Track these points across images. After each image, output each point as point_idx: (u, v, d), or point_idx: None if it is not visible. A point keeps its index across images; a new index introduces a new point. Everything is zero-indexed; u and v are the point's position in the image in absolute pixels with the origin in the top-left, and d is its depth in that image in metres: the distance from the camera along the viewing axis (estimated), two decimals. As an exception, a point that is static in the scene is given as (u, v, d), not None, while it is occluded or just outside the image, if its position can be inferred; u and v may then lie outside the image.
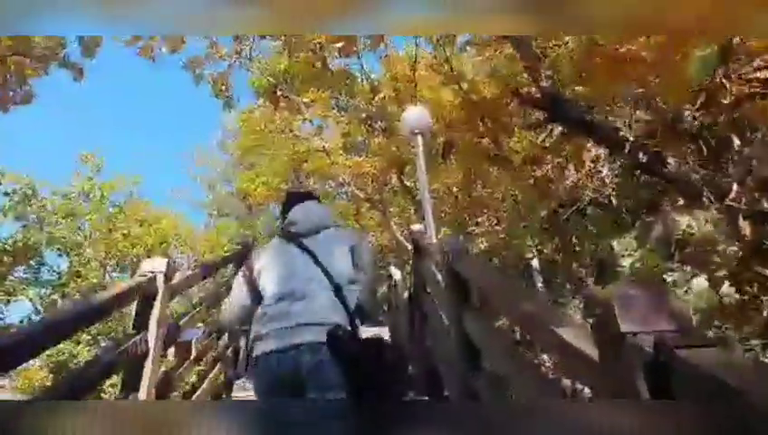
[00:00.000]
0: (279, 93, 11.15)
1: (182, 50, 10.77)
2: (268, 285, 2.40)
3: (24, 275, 14.17)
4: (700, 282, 5.51)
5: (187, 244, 18.99)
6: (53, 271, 15.06)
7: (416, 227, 5.69)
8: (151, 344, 2.82)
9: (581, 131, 4.58)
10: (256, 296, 2.41)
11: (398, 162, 12.39)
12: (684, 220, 6.03)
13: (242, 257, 5.62)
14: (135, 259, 16.25)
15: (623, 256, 5.85)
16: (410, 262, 6.70)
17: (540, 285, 7.99)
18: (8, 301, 13.59)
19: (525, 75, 4.61)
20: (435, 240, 6.70)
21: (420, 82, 11.84)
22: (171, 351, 3.83)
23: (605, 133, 4.37)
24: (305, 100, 12.27)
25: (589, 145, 5.60)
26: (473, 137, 7.68)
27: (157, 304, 2.95)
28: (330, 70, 12.85)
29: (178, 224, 19.13)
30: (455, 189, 10.88)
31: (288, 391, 2.15)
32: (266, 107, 14.41)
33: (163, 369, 3.39)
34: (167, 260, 3.13)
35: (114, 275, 16.36)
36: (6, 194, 13.67)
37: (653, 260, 5.58)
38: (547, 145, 4.95)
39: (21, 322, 13.05)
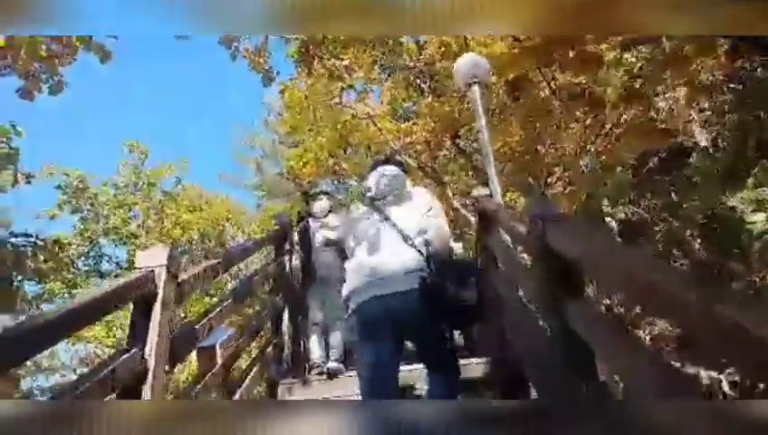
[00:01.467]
0: (313, 54, 10.30)
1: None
2: (355, 247, 2.88)
3: (85, 268, 14.34)
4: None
5: (239, 227, 18.82)
6: (113, 261, 15.21)
7: (480, 190, 4.81)
8: (150, 363, 2.14)
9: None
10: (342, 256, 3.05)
11: (452, 124, 11.36)
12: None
13: (280, 238, 4.97)
14: (189, 245, 16.20)
15: (743, 212, 4.70)
16: (474, 234, 5.84)
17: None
18: (71, 293, 13.79)
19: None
20: (499, 200, 5.81)
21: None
22: (194, 357, 3.21)
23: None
24: (344, 62, 11.37)
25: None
26: (535, 84, 6.64)
27: (156, 307, 2.27)
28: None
29: (230, 207, 18.96)
30: (517, 149, 9.77)
31: (385, 332, 2.60)
32: (306, 77, 13.66)
33: (175, 384, 2.74)
34: (168, 250, 2.43)
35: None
36: (59, 187, 13.71)
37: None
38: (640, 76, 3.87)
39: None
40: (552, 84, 6.10)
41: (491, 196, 5.14)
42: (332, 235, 4.61)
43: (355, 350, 4.08)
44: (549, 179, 8.36)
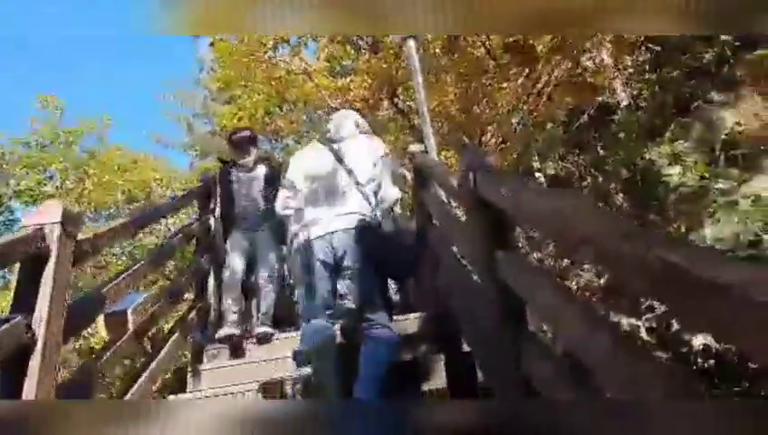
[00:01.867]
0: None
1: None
2: (307, 182, 2.98)
3: (-5, 232, 13.24)
4: (756, 186, 4.56)
5: (170, 187, 17.92)
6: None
7: (414, 147, 4.69)
8: (39, 332, 1.89)
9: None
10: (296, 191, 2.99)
11: (390, 82, 11.12)
12: (728, 117, 5.02)
13: (203, 194, 4.68)
14: (115, 208, 15.28)
15: (661, 166, 4.86)
16: (410, 191, 5.76)
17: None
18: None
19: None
20: (434, 156, 5.78)
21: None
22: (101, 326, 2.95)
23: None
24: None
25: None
26: (470, 43, 6.53)
27: (48, 269, 2.00)
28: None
29: (159, 167, 17.98)
30: (453, 107, 9.70)
31: (328, 269, 2.79)
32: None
33: (89, 349, 2.49)
34: (62, 207, 2.14)
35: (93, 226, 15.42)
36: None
37: (701, 168, 4.60)
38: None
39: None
40: (486, 44, 6.00)
41: (426, 152, 5.04)
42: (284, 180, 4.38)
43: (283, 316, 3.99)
44: (483, 138, 8.37)
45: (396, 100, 12.00)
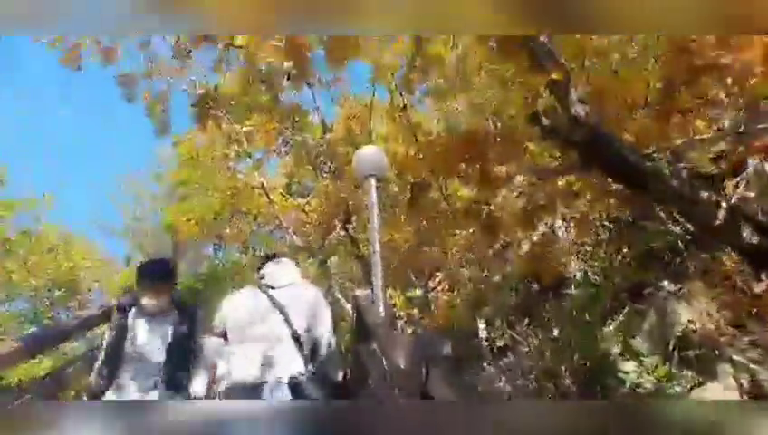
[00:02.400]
0: (211, 112, 9.55)
1: (116, 62, 8.94)
2: (237, 327, 2.90)
3: None
4: (708, 395, 4.26)
5: (99, 278, 16.65)
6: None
7: (360, 292, 4.57)
8: None
9: (626, 181, 3.27)
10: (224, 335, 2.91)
11: (346, 210, 11.00)
12: (683, 311, 4.86)
13: (106, 317, 3.99)
14: (37, 292, 13.91)
15: (616, 357, 4.54)
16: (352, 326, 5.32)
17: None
18: None
19: (545, 94, 3.35)
20: (381, 308, 5.46)
21: (375, 129, 10.78)
22: None
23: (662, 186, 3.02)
24: (246, 128, 10.77)
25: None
26: (431, 185, 6.48)
27: None
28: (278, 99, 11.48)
29: (93, 254, 16.83)
30: (404, 245, 9.52)
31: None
32: (204, 133, 12.80)
33: None
34: None
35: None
36: None
37: (661, 372, 4.29)
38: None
39: None
40: (443, 191, 5.92)
41: (373, 302, 4.69)
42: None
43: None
44: (430, 281, 8.07)
45: (348, 227, 11.80)
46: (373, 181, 6.27)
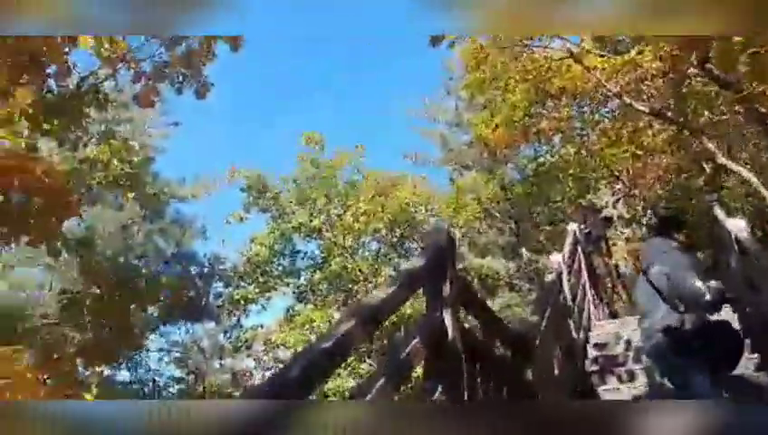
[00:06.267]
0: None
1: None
2: None
3: (279, 268, 14.06)
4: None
5: (428, 208, 16.95)
6: (308, 257, 14.73)
7: None
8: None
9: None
10: None
11: (705, 42, 7.68)
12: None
13: (433, 276, 2.80)
14: (379, 232, 14.94)
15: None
16: None
17: None
18: (269, 297, 13.61)
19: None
20: None
21: None
22: None
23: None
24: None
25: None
26: None
27: None
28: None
29: (418, 188, 17.25)
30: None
31: None
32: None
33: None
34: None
35: (364, 254, 15.29)
36: (243, 190, 13.55)
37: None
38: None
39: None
40: None
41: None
42: None
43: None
44: None
45: (708, 65, 8.33)
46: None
